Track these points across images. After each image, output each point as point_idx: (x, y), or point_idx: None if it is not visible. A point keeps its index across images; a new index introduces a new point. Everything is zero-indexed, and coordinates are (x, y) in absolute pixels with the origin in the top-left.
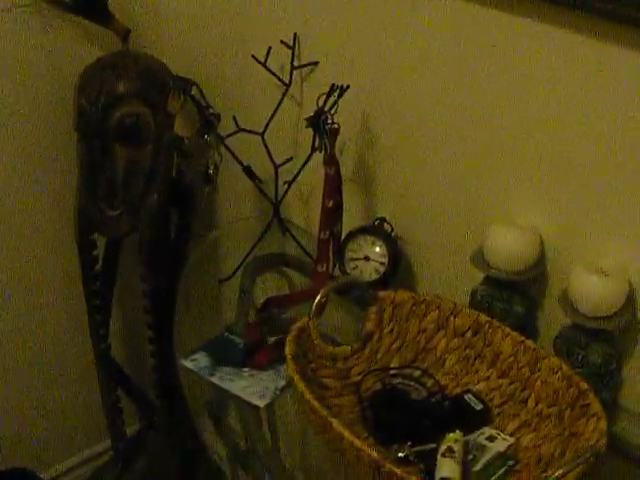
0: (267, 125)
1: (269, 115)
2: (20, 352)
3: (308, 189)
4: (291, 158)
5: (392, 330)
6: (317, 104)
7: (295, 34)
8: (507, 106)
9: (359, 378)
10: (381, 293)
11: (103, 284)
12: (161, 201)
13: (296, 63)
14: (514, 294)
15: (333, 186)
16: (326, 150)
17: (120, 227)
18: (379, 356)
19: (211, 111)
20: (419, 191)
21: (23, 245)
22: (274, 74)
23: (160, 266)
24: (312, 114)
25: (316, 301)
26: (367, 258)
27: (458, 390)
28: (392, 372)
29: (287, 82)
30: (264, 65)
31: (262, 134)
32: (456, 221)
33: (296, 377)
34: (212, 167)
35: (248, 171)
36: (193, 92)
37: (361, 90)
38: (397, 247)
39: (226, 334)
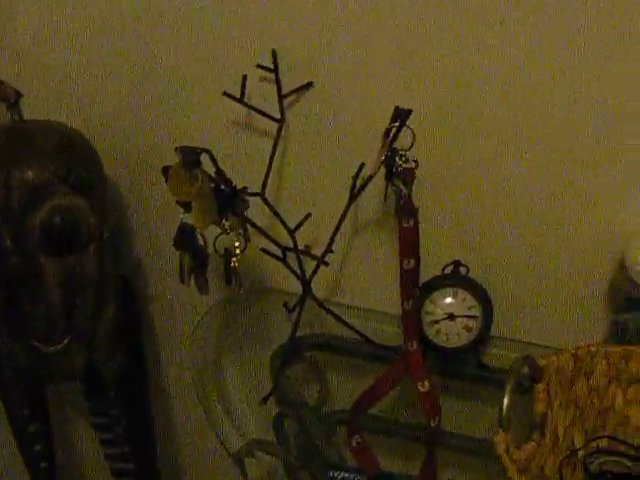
0: (266, 179)
1: (257, 165)
2: None
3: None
4: (309, 215)
5: (561, 403)
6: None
7: (274, 51)
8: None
9: (555, 476)
10: (541, 362)
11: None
12: (118, 313)
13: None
14: None
15: (413, 241)
16: (400, 198)
17: (73, 363)
18: (561, 438)
19: (235, 185)
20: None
21: None
22: (260, 111)
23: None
24: (384, 155)
25: (504, 412)
26: (451, 316)
27: None
28: (587, 452)
29: (278, 117)
30: (242, 102)
31: (262, 194)
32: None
33: None
34: (235, 261)
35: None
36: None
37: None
38: (487, 293)
39: (334, 473)
